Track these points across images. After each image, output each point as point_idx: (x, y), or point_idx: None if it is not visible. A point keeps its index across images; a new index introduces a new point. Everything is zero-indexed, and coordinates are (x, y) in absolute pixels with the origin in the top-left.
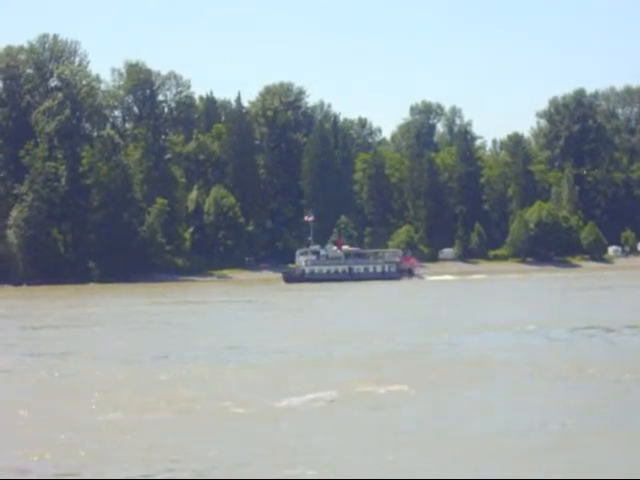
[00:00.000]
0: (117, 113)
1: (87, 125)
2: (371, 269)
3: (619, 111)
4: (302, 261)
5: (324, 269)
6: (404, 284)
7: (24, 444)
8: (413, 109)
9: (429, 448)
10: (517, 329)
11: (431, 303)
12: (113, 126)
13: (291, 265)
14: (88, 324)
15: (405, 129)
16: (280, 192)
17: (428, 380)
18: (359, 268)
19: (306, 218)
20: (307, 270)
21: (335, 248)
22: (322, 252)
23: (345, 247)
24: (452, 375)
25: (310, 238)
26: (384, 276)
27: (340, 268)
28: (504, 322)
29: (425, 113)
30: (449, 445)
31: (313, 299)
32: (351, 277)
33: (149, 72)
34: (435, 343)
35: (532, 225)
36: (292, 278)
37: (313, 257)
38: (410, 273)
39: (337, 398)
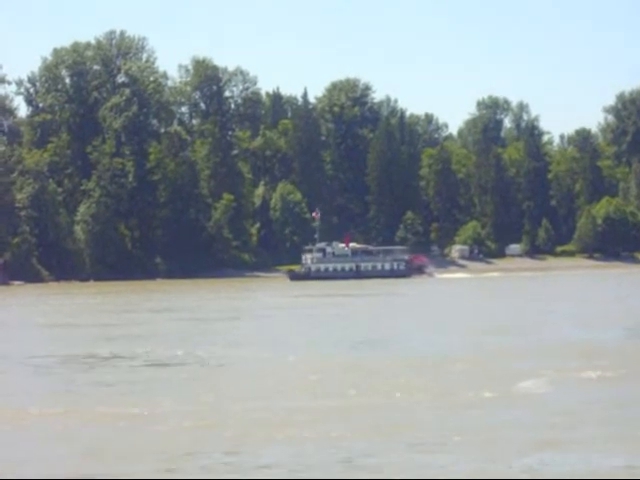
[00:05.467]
0: (184, 109)
1: (154, 121)
2: (379, 267)
3: None
4: (308, 259)
5: (330, 267)
6: (449, 283)
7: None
8: (480, 104)
9: None
10: None
11: (535, 298)
12: (180, 122)
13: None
14: (249, 317)
15: (472, 124)
16: (346, 188)
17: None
18: (366, 266)
19: (314, 215)
20: (313, 268)
21: (342, 245)
22: (328, 250)
23: (352, 244)
24: None
25: (316, 235)
26: (392, 274)
27: (347, 266)
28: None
29: (492, 108)
30: None
31: (429, 291)
32: (358, 275)
33: (216, 68)
34: (600, 334)
35: (599, 221)
36: (297, 276)
37: (319, 255)
38: (420, 271)
39: (559, 382)
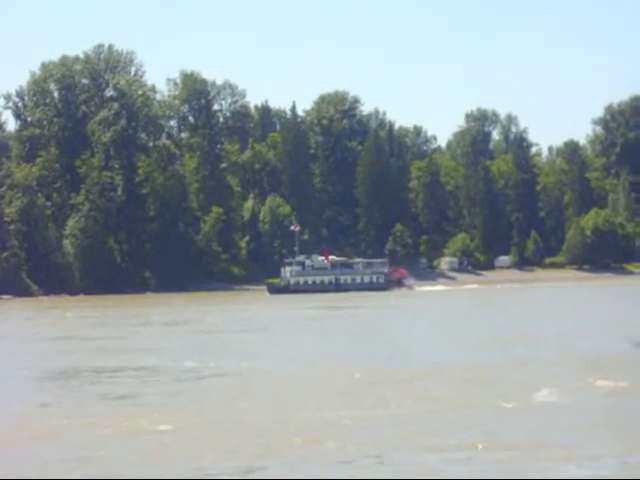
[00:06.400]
0: (173, 123)
1: (143, 135)
2: (358, 279)
3: None
4: (287, 272)
5: (309, 280)
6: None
7: None
8: (468, 116)
9: None
10: None
11: (566, 310)
12: (169, 136)
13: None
14: (259, 329)
15: (460, 137)
16: (335, 200)
17: None
18: (346, 279)
19: (292, 227)
20: (292, 281)
21: (321, 258)
22: (307, 262)
23: (332, 257)
24: None
25: (296, 249)
26: (372, 287)
27: (326, 279)
28: None
29: (480, 120)
30: None
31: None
32: (338, 288)
33: (204, 82)
34: (594, 345)
35: (588, 232)
36: (276, 289)
37: (298, 268)
38: (399, 284)
39: (572, 392)
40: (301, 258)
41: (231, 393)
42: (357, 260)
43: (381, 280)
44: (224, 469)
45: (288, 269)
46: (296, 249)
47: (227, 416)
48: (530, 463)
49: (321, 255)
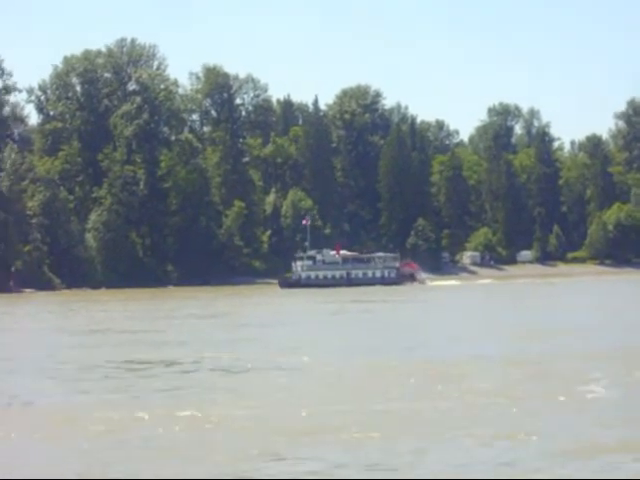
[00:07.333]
0: (195, 117)
1: (165, 129)
2: (370, 274)
3: None
4: (298, 266)
5: (320, 274)
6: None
7: None
8: (491, 111)
9: None
10: None
11: (591, 304)
12: (191, 130)
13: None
14: (291, 322)
15: (483, 131)
16: (357, 195)
17: None
18: (357, 273)
19: (304, 222)
20: (303, 275)
21: (332, 253)
22: (318, 257)
23: (343, 252)
24: None
25: (307, 243)
26: (383, 281)
27: (337, 273)
28: None
29: (503, 115)
30: None
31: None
32: (349, 282)
33: (227, 76)
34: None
35: (611, 227)
36: (287, 284)
37: (309, 262)
38: (412, 278)
39: (620, 385)
40: (312, 253)
41: (280, 386)
42: (368, 255)
43: (392, 275)
44: (276, 466)
45: (299, 263)
46: (307, 243)
47: (278, 410)
48: (591, 460)
49: (333, 249)
